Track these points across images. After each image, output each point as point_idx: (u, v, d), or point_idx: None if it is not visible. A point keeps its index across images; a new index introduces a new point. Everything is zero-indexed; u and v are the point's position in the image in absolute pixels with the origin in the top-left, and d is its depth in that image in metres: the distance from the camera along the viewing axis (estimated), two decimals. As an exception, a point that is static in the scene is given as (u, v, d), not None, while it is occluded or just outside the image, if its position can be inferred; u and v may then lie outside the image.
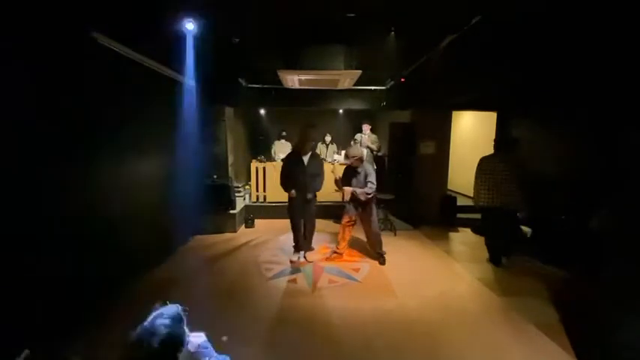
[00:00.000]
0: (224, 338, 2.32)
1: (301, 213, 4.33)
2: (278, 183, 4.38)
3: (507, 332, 2.88)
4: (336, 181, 4.33)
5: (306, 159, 4.23)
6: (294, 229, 4.39)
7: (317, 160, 4.35)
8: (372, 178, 4.09)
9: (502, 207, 4.18)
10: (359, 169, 4.16)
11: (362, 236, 4.66)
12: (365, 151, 6.30)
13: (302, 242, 4.41)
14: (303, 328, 2.94)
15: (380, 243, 4.41)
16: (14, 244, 2.18)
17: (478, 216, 6.09)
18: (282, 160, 4.57)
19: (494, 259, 4.42)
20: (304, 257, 4.42)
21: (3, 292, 2.09)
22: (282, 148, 7.18)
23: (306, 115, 8.24)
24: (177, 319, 1.18)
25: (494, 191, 4.19)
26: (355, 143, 6.39)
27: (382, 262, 4.37)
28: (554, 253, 4.33)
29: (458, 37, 3.75)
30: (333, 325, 3.00)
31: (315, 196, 4.34)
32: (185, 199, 5.12)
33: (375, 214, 4.35)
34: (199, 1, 3.16)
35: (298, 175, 4.19)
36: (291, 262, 4.34)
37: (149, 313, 1.17)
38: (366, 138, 6.32)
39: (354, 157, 4.13)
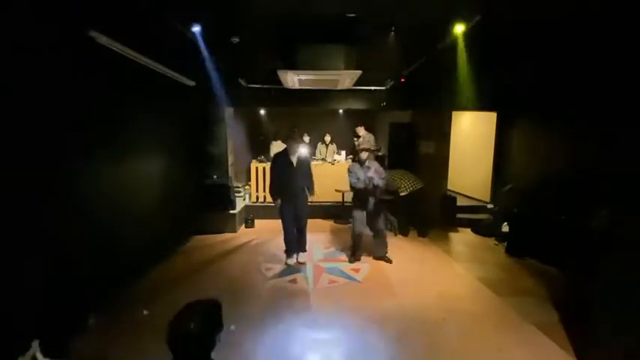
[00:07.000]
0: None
1: (294, 215, 4.28)
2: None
3: (507, 332, 2.88)
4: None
5: (294, 159, 4.20)
6: (286, 232, 4.34)
7: (305, 160, 4.32)
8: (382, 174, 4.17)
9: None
10: (368, 164, 4.18)
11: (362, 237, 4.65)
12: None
13: (294, 245, 4.38)
14: (302, 328, 2.94)
15: (385, 245, 4.43)
16: (12, 245, 2.18)
17: (478, 216, 6.12)
18: (271, 162, 4.47)
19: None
20: (297, 260, 4.39)
21: (7, 291, 2.10)
22: (279, 149, 7.15)
23: (306, 115, 8.24)
24: (214, 305, 1.33)
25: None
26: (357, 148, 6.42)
27: (388, 260, 4.40)
28: (554, 253, 4.33)
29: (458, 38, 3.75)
30: (333, 325, 3.00)
31: (307, 197, 4.34)
32: (185, 199, 5.13)
33: (383, 215, 4.37)
34: (199, 0, 3.15)
35: (288, 177, 4.15)
36: (287, 265, 4.32)
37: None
38: (361, 141, 6.25)
39: (365, 149, 4.22)
